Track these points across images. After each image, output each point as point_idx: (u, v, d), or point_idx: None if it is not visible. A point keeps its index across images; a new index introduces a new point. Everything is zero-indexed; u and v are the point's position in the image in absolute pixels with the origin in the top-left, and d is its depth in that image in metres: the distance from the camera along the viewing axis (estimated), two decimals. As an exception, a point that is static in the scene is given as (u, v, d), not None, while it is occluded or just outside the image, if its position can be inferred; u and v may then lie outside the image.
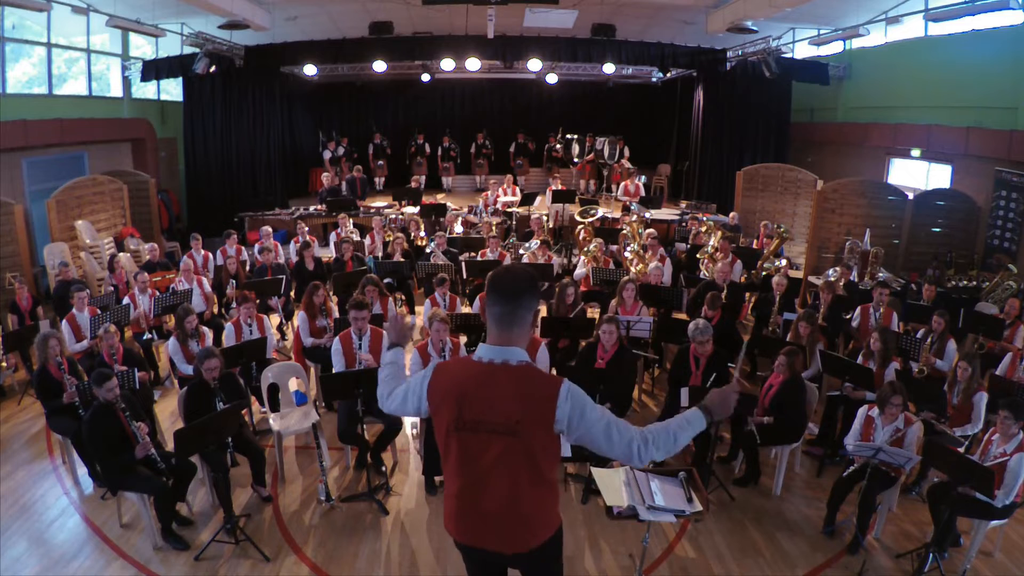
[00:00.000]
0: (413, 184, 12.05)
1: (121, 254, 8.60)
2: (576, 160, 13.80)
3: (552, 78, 14.30)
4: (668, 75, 13.66)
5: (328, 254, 8.99)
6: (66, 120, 9.51)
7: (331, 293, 7.19)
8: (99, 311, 6.10)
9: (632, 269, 7.83)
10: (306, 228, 9.14)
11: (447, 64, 12.10)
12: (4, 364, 6.19)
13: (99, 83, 11.12)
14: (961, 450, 4.27)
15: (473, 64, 12.04)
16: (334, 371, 4.86)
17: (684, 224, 10.40)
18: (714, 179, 12.68)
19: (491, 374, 2.12)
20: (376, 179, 14.04)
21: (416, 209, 10.80)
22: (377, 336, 5.02)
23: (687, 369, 5.06)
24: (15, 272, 7.29)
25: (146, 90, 11.87)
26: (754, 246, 9.08)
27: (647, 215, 10.23)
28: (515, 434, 2.08)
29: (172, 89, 12.46)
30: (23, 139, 8.75)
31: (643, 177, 12.68)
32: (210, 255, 8.24)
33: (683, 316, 6.81)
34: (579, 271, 8.05)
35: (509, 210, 10.95)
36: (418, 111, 15.49)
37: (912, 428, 4.15)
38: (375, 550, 4.09)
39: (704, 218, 10.13)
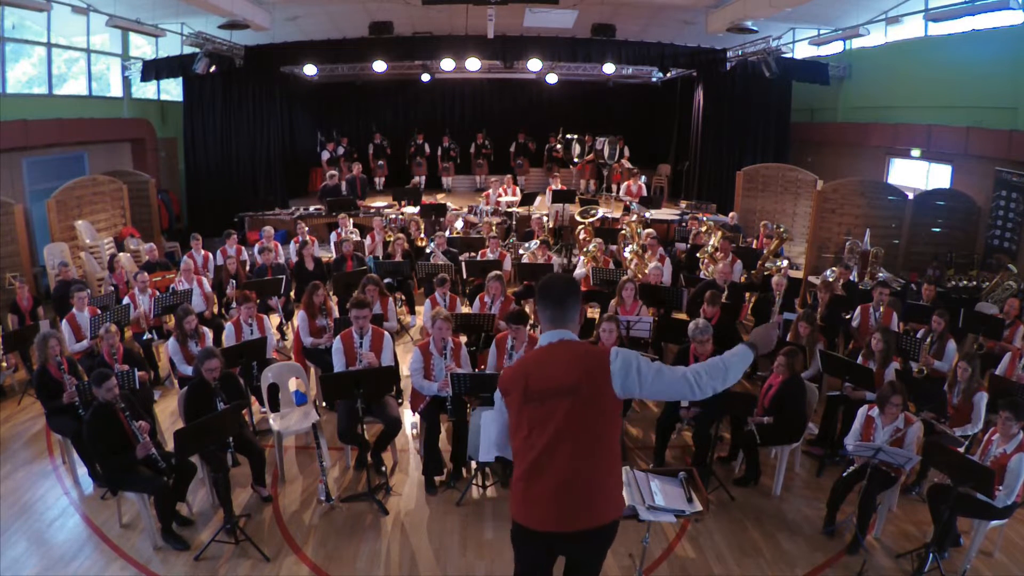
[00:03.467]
0: (413, 184, 12.04)
1: (121, 254, 8.60)
2: (576, 160, 13.80)
3: (552, 78, 14.30)
4: (668, 75, 13.66)
5: (328, 254, 8.99)
6: (66, 120, 9.51)
7: (331, 293, 7.19)
8: (99, 311, 6.10)
9: (632, 269, 7.83)
10: (306, 228, 9.14)
11: (447, 64, 12.10)
12: (4, 364, 6.19)
13: (99, 83, 11.12)
14: (961, 450, 4.27)
15: (473, 64, 12.04)
16: (335, 371, 4.85)
17: (684, 224, 10.40)
18: (714, 179, 12.68)
19: (551, 350, 2.42)
20: (376, 179, 14.04)
21: (416, 209, 10.80)
22: (378, 336, 5.02)
23: (687, 369, 5.04)
24: (15, 272, 7.30)
25: (146, 90, 11.87)
26: (754, 246, 9.08)
27: (647, 215, 10.23)
28: (576, 393, 2.30)
29: (172, 89, 12.46)
30: (23, 139, 8.75)
31: (643, 177, 12.69)
32: (210, 255, 8.24)
33: (683, 316, 6.81)
34: (579, 271, 8.04)
35: (509, 210, 10.94)
36: (418, 111, 15.49)
37: (912, 428, 4.15)
38: (375, 550, 4.08)
39: (704, 218, 10.13)
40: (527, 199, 11.14)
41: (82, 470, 4.74)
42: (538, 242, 8.78)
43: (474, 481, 4.69)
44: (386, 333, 5.16)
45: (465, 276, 8.15)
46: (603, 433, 2.34)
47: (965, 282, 7.58)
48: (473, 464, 4.70)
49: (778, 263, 8.03)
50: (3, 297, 7.19)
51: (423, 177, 13.73)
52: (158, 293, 6.89)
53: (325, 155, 13.31)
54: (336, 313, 6.28)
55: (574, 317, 2.47)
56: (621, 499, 2.45)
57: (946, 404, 4.74)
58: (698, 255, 8.32)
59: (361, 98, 15.10)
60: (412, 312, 8.09)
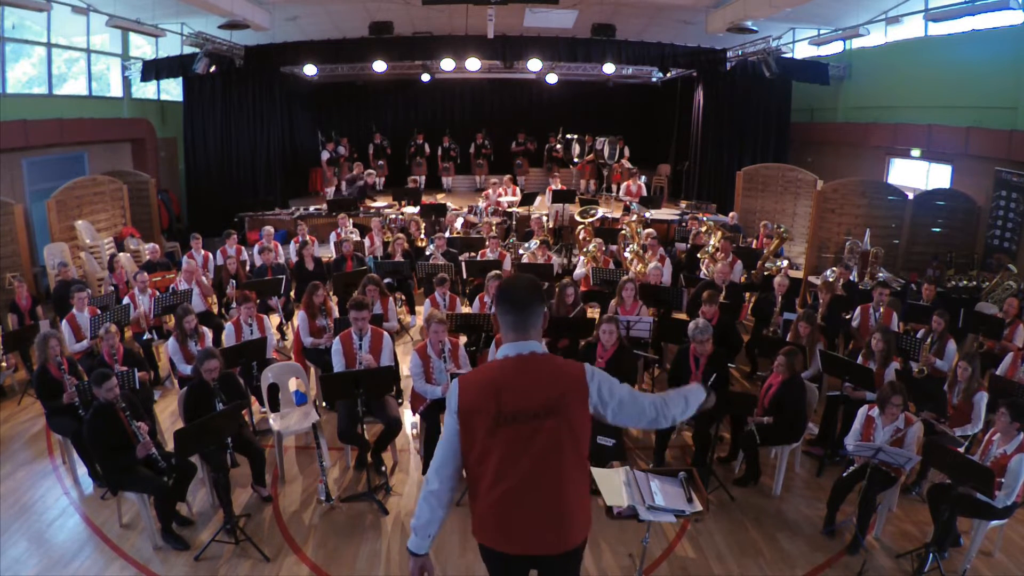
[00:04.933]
0: (411, 184, 12.05)
1: (121, 254, 8.60)
2: (576, 160, 13.80)
3: (552, 78, 14.30)
4: (668, 75, 13.66)
5: (328, 254, 8.99)
6: (66, 120, 9.51)
7: (331, 293, 7.19)
8: (99, 311, 6.10)
9: (632, 269, 7.83)
10: (306, 228, 9.14)
11: (447, 64, 12.11)
12: (4, 364, 6.19)
13: (99, 83, 11.12)
14: (961, 450, 4.27)
15: (473, 64, 12.04)
16: (334, 371, 4.85)
17: (684, 224, 10.40)
18: (714, 179, 12.69)
19: (521, 364, 2.21)
20: (376, 179, 14.03)
21: (416, 209, 10.80)
22: (377, 336, 5.02)
23: (687, 369, 5.05)
24: (15, 272, 7.29)
25: (146, 90, 11.87)
26: (754, 246, 9.08)
27: (647, 215, 10.23)
28: (558, 413, 2.16)
29: (172, 89, 12.46)
30: (23, 139, 8.75)
31: (643, 177, 12.69)
32: (210, 255, 8.24)
33: (683, 316, 6.81)
34: (579, 271, 8.05)
35: (509, 210, 10.94)
36: (418, 111, 15.50)
37: (912, 428, 4.15)
38: (375, 550, 4.08)
39: (704, 218, 10.13)
40: (527, 199, 11.14)
41: (82, 470, 4.74)
42: (538, 242, 8.78)
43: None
44: (386, 333, 5.16)
45: (465, 276, 8.15)
46: (580, 452, 2.22)
47: (965, 282, 7.58)
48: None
49: (778, 263, 8.03)
50: (3, 297, 7.19)
51: (423, 177, 13.73)
52: (158, 293, 6.89)
53: (325, 155, 13.31)
54: (336, 313, 6.28)
55: (537, 323, 2.26)
56: (590, 515, 2.32)
57: (946, 404, 4.74)
58: (698, 255, 8.32)
59: (361, 98, 15.11)
60: (412, 312, 8.08)
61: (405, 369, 5.51)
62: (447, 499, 2.26)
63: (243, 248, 8.66)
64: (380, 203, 11.72)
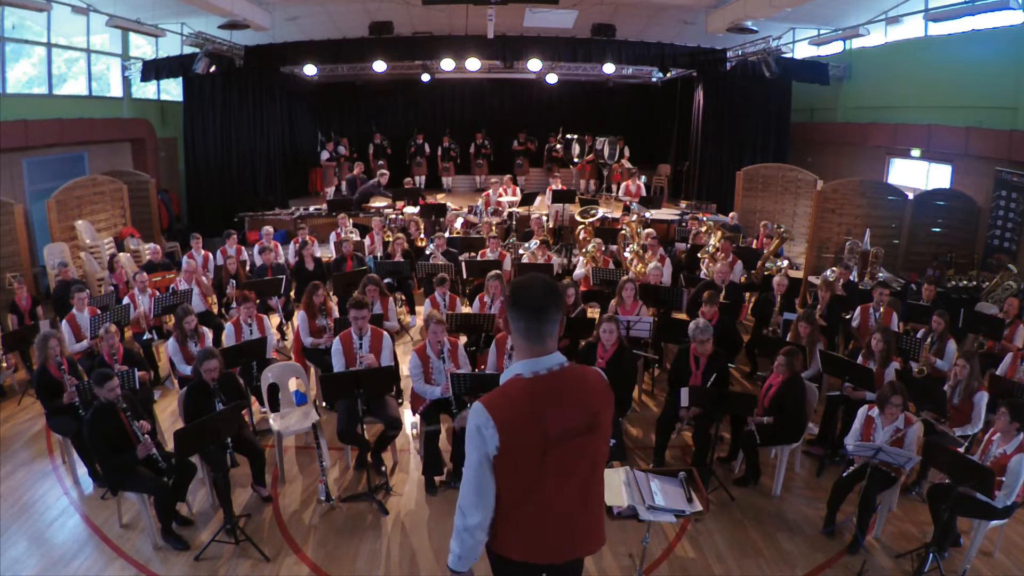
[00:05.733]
0: (407, 184, 12.06)
1: (121, 254, 8.60)
2: (576, 160, 13.80)
3: (552, 78, 14.30)
4: (668, 75, 13.66)
5: (328, 254, 8.99)
6: (66, 120, 9.51)
7: (331, 293, 7.18)
8: (99, 311, 6.10)
9: (632, 269, 7.83)
10: (306, 228, 9.14)
11: (447, 64, 12.10)
12: (4, 364, 6.19)
13: (99, 83, 11.12)
14: (961, 450, 4.27)
15: (473, 64, 12.03)
16: (334, 371, 4.85)
17: (684, 224, 10.40)
18: (714, 179, 12.68)
19: (555, 382, 2.06)
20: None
21: (416, 209, 10.81)
22: (377, 336, 5.02)
23: (687, 369, 5.05)
24: (15, 272, 7.29)
25: (146, 90, 11.87)
26: (754, 246, 9.08)
27: (647, 215, 10.23)
28: (596, 428, 2.10)
29: (172, 89, 12.46)
30: (23, 139, 8.75)
31: (643, 177, 12.69)
32: (210, 255, 8.24)
33: (683, 316, 6.81)
34: (579, 271, 8.05)
35: (509, 210, 10.95)
36: (418, 111, 15.48)
37: (912, 428, 4.15)
38: (375, 550, 4.08)
39: (704, 218, 10.13)
40: (527, 199, 11.14)
41: (82, 470, 4.75)
42: (538, 242, 8.78)
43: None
44: (386, 333, 5.16)
45: (465, 276, 8.15)
46: (606, 460, 2.23)
47: (965, 282, 7.58)
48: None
49: (778, 263, 8.03)
50: (3, 297, 7.19)
51: (422, 177, 13.73)
52: (158, 293, 6.89)
53: (325, 155, 13.32)
54: (336, 313, 6.28)
55: (555, 331, 2.07)
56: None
57: (946, 404, 4.74)
58: (698, 255, 8.32)
59: (361, 98, 15.10)
60: (412, 312, 8.09)
61: (405, 369, 5.50)
62: (488, 525, 2.10)
63: (243, 248, 8.66)
64: (380, 203, 11.72)
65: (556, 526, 2.11)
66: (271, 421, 4.93)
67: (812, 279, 8.38)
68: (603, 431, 2.13)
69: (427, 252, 8.50)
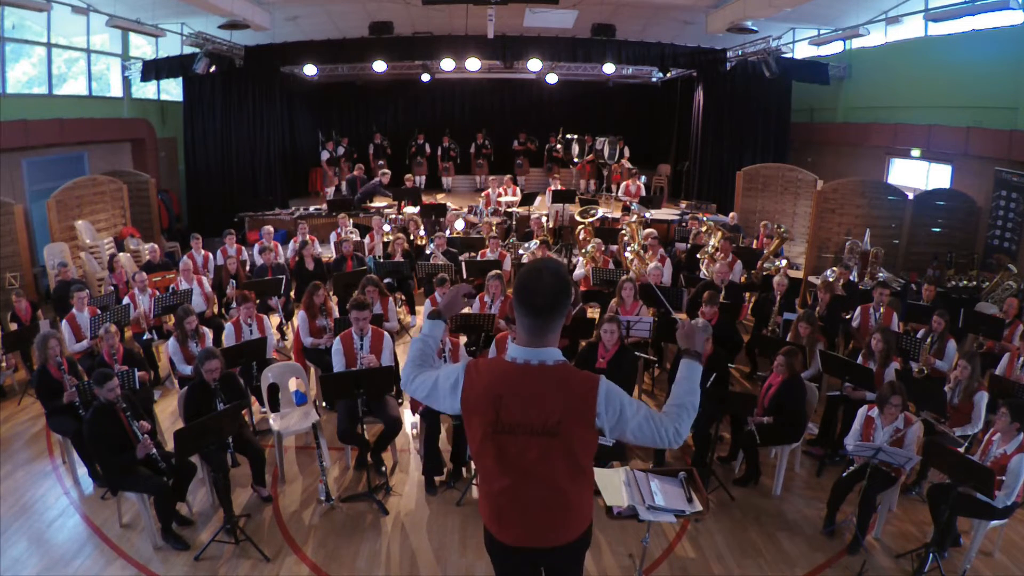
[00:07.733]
0: (407, 184, 12.06)
1: (121, 254, 8.60)
2: (576, 160, 13.80)
3: (552, 78, 14.30)
4: (668, 75, 13.65)
5: (328, 254, 8.99)
6: (66, 120, 9.50)
7: (331, 293, 7.18)
8: (99, 311, 6.09)
9: (632, 269, 7.83)
10: (306, 228, 9.14)
11: (447, 64, 12.10)
12: (4, 364, 6.18)
13: (99, 83, 11.11)
14: (961, 450, 4.27)
15: (473, 64, 12.03)
16: (334, 371, 4.85)
17: (684, 224, 10.40)
18: (714, 179, 12.68)
19: (526, 375, 2.08)
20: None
21: (416, 209, 10.81)
22: (378, 336, 5.02)
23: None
24: (15, 272, 7.28)
25: (146, 90, 11.87)
26: (754, 246, 9.08)
27: (647, 215, 10.23)
28: (555, 434, 2.06)
29: (172, 89, 12.46)
30: (23, 139, 8.74)
31: (643, 177, 12.69)
32: (210, 255, 8.24)
33: (683, 316, 6.81)
34: (579, 271, 8.04)
35: (509, 210, 10.95)
36: (418, 111, 15.49)
37: (912, 428, 4.15)
38: (375, 550, 4.09)
39: (704, 218, 10.13)
40: (527, 199, 11.14)
41: (82, 470, 4.75)
42: (538, 242, 8.78)
43: (474, 481, 4.69)
44: (386, 333, 5.16)
45: (465, 276, 8.15)
46: (580, 461, 2.14)
47: (965, 282, 7.58)
48: (473, 464, 4.70)
49: (778, 263, 8.03)
50: (3, 297, 7.19)
51: (421, 178, 13.73)
52: (158, 293, 6.89)
53: (325, 155, 13.33)
54: (336, 313, 6.28)
55: (557, 328, 2.09)
56: (591, 507, 2.29)
57: (946, 404, 4.74)
58: (698, 255, 8.32)
59: (361, 98, 15.11)
60: (412, 312, 8.09)
61: (405, 369, 5.50)
62: (412, 379, 2.44)
63: (243, 248, 8.66)
64: (380, 203, 11.73)
65: (509, 510, 2.19)
66: (271, 421, 4.93)
67: (812, 279, 8.38)
68: (563, 440, 2.06)
69: (427, 252, 8.50)
